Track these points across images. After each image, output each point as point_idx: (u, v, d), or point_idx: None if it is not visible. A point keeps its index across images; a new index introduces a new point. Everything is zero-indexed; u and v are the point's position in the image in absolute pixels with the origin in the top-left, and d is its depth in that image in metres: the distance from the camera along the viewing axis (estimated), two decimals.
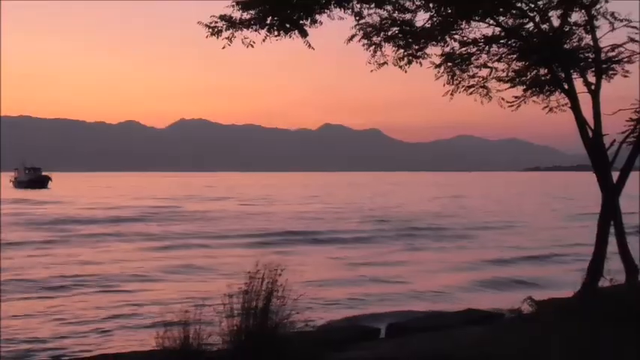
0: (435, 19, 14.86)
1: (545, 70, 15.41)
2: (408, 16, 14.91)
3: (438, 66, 15.54)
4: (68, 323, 19.59)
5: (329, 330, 15.53)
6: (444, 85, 15.79)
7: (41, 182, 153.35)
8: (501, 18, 15.09)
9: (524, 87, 15.65)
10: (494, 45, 15.36)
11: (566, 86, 15.23)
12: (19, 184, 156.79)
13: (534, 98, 15.80)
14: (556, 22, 15.06)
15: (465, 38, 15.32)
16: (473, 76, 15.87)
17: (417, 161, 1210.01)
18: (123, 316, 20.39)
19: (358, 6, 14.50)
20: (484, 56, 15.60)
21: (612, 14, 14.56)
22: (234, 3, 13.76)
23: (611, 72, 15.29)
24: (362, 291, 25.14)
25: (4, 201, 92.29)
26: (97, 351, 15.53)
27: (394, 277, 28.73)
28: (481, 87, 15.94)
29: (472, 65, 15.73)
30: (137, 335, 17.81)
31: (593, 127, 15.18)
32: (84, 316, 20.55)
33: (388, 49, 15.19)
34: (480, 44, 15.31)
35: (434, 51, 15.43)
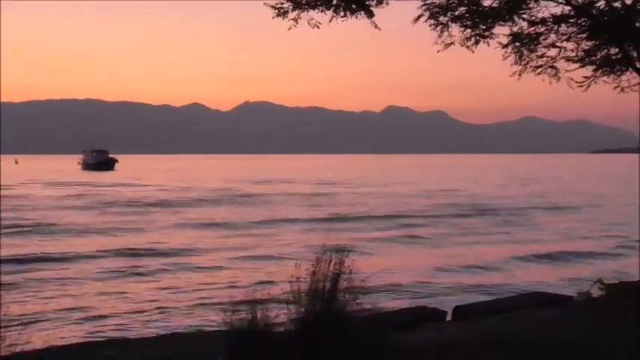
0: None
1: (617, 49, 15.09)
2: None
3: (505, 46, 15.33)
4: (133, 302, 19.87)
5: (394, 312, 15.50)
6: (511, 65, 15.59)
7: (108, 164, 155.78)
8: None
9: (594, 67, 15.34)
10: (563, 24, 15.09)
11: (638, 65, 14.91)
12: (86, 166, 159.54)
13: (604, 78, 15.49)
14: (628, 0, 14.73)
15: (534, 17, 15.08)
16: (541, 56, 15.62)
17: (482, 143, 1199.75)
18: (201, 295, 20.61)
19: None
20: (553, 36, 15.34)
21: None
22: None
23: None
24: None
25: (81, 183, 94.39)
26: (163, 330, 15.73)
27: None
28: (549, 67, 15.67)
29: (540, 45, 15.48)
30: (206, 315, 17.97)
31: None
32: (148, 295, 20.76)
33: (455, 29, 15.03)
34: (549, 23, 15.06)
35: (501, 31, 15.23)
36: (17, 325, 12.01)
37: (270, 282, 20.78)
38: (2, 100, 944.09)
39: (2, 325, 8.56)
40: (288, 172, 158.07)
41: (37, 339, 14.91)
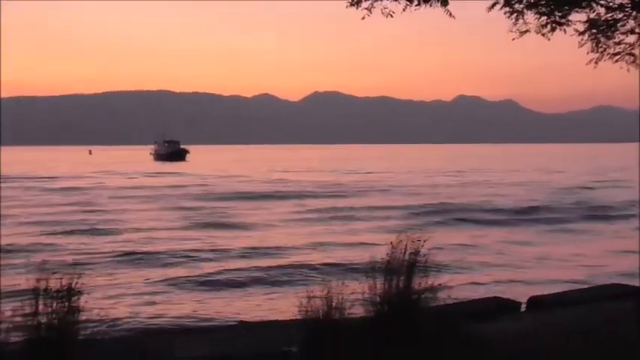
0: None
1: None
2: None
3: (581, 33, 15.03)
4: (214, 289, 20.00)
5: (468, 302, 15.38)
6: (587, 53, 15.29)
7: (179, 155, 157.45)
8: None
9: None
10: None
11: None
12: (158, 156, 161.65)
13: None
14: None
15: (611, 3, 14.76)
16: (619, 43, 15.29)
17: (555, 133, 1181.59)
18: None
19: None
20: (631, 22, 15.01)
21: None
22: None
23: None
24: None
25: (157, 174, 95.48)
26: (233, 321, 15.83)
27: None
28: (628, 54, 15.33)
29: (618, 32, 15.15)
30: (280, 304, 18.03)
31: None
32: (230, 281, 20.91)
33: (530, 16, 14.79)
34: (627, 9, 14.74)
35: (578, 17, 14.94)
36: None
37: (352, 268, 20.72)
38: (77, 92, 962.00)
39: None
40: (378, 162, 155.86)
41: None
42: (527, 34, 14.88)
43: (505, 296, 16.51)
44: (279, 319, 14.35)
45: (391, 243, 10.07)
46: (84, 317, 8.77)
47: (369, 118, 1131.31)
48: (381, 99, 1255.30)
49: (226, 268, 23.60)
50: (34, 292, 8.49)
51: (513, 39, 14.84)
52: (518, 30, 14.84)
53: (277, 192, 61.97)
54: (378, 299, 9.83)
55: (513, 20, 14.76)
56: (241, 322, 15.34)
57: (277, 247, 28.49)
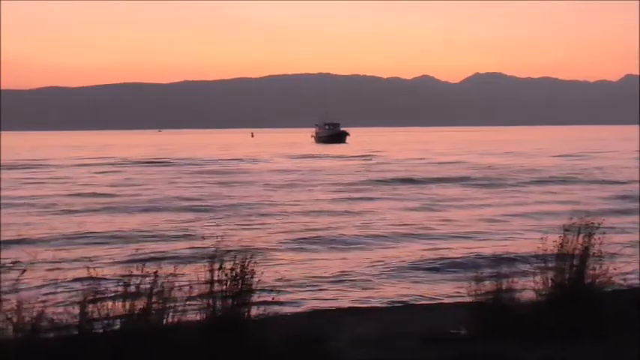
0: None
1: None
2: None
3: None
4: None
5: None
6: None
7: (340, 137, 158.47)
8: None
9: None
10: None
11: None
12: (319, 139, 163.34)
13: None
14: None
15: None
16: None
17: None
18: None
19: None
20: None
21: None
22: None
23: None
24: None
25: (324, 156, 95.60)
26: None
27: None
28: None
29: None
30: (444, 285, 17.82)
31: None
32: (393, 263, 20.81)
33: None
34: None
35: None
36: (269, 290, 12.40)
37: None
38: (241, 76, 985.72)
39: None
40: (573, 144, 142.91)
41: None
42: None
43: None
44: (445, 301, 14.36)
45: (563, 226, 9.86)
46: (257, 297, 8.99)
47: (529, 98, 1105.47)
48: (544, 79, 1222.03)
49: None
50: (210, 273, 8.78)
51: None
52: None
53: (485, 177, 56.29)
54: (550, 283, 9.64)
55: None
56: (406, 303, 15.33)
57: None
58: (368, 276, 18.98)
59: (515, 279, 9.79)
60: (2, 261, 8.29)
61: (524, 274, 9.90)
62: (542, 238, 9.89)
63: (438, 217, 32.43)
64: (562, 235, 9.77)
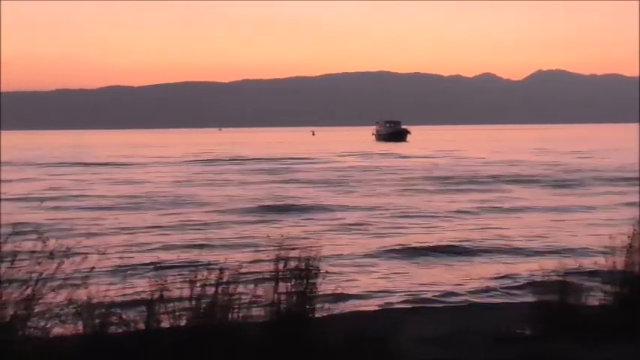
0: None
1: None
2: None
3: None
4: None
5: None
6: None
7: (400, 135, 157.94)
8: None
9: None
10: None
11: None
12: (379, 137, 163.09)
13: None
14: None
15: None
16: None
17: None
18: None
19: None
20: None
21: None
22: None
23: None
24: None
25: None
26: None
27: None
28: None
29: None
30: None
31: None
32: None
33: None
34: None
35: None
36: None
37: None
38: (297, 74, 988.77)
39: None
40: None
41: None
42: None
43: None
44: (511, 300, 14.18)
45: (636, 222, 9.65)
46: (321, 293, 8.99)
47: (593, 96, 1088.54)
48: (609, 77, 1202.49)
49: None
50: (275, 271, 8.81)
51: None
52: None
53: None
54: (618, 284, 9.46)
55: None
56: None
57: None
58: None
59: (583, 277, 9.62)
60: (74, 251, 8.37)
61: (592, 273, 9.72)
62: (610, 236, 9.71)
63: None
64: (634, 230, 9.57)
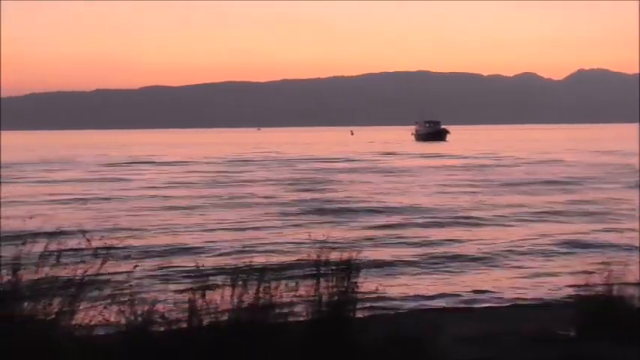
0: None
1: None
2: None
3: None
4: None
5: None
6: None
7: (440, 135, 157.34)
8: None
9: None
10: None
11: None
12: (419, 137, 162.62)
13: None
14: None
15: None
16: None
17: None
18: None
19: None
20: None
21: None
22: None
23: None
24: None
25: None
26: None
27: None
28: None
29: None
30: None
31: None
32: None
33: None
34: None
35: None
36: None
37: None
38: (336, 74, 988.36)
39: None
40: None
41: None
42: None
43: None
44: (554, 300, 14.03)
45: None
46: (361, 294, 9.01)
47: (631, 96, 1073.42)
48: None
49: None
50: (316, 269, 8.84)
51: None
52: None
53: None
54: None
55: None
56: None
57: None
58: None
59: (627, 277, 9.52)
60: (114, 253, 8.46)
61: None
62: None
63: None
64: None
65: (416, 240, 24.55)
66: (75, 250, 8.28)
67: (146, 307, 8.02)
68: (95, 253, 8.07)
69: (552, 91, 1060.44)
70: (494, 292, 16.41)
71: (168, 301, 8.74)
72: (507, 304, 14.86)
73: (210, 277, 8.62)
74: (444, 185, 46.98)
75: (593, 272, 9.64)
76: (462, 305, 14.95)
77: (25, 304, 7.61)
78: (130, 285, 8.34)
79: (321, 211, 33.10)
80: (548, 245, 23.39)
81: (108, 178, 56.12)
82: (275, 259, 18.03)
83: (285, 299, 8.54)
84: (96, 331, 7.87)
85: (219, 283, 8.52)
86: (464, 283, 17.43)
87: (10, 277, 7.63)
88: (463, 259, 20.96)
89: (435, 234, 26.04)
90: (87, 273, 7.87)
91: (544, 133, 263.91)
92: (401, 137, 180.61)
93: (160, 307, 8.23)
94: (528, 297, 15.81)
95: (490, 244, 23.55)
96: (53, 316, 7.68)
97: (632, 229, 25.64)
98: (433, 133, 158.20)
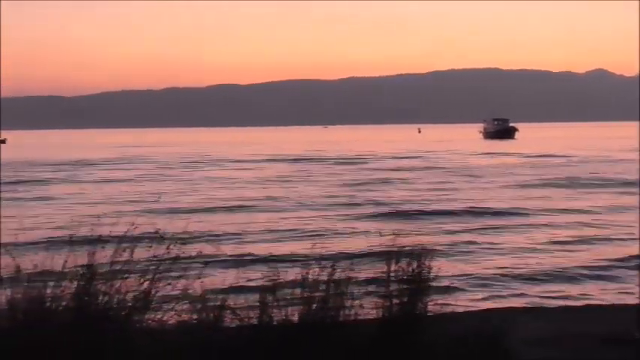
0: None
1: None
2: None
3: None
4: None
5: None
6: None
7: (509, 133, 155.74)
8: None
9: None
10: None
11: None
12: (487, 134, 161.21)
13: None
14: None
15: None
16: None
17: None
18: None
19: None
20: None
21: None
22: None
23: None
24: None
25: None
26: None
27: None
28: None
29: None
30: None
31: None
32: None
33: None
34: None
35: None
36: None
37: None
38: (403, 72, 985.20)
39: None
40: None
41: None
42: None
43: None
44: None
45: None
46: (434, 291, 8.95)
47: None
48: None
49: None
50: (387, 272, 8.82)
51: None
52: None
53: None
54: None
55: None
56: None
57: None
58: None
59: None
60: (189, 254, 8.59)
61: None
62: None
63: None
64: None
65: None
66: (148, 246, 8.39)
67: (217, 302, 8.09)
68: (167, 247, 8.20)
69: (625, 87, 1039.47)
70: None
71: (239, 295, 8.81)
72: (579, 305, 14.66)
73: (282, 274, 8.65)
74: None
75: None
76: (533, 305, 14.79)
77: (100, 297, 7.74)
78: (202, 279, 8.43)
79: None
80: None
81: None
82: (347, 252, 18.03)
83: (356, 297, 8.54)
84: (168, 326, 7.96)
85: (291, 279, 8.58)
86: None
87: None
88: None
89: None
90: (159, 267, 7.99)
91: (617, 130, 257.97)
92: (469, 135, 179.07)
93: (230, 301, 8.30)
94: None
95: None
96: (126, 312, 7.80)
97: None
98: (502, 131, 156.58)
